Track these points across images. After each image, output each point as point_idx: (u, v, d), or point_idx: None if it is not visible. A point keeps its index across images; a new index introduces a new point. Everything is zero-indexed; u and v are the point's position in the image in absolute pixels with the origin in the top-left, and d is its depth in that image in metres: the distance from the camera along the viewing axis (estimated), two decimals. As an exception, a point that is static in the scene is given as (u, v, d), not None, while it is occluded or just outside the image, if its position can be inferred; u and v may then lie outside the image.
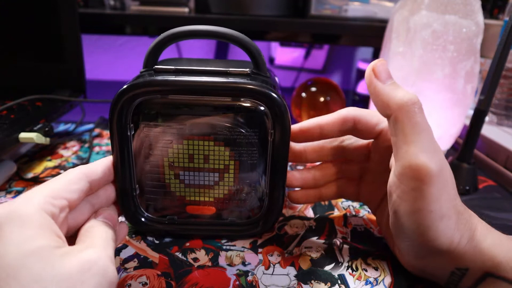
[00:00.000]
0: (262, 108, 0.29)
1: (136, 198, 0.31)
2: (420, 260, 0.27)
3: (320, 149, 0.33)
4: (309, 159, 0.34)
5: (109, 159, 0.29)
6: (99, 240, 0.23)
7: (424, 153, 0.23)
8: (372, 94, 0.26)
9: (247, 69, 0.29)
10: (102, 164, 0.28)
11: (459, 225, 0.25)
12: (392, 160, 0.26)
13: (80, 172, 0.25)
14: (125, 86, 0.27)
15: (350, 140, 0.33)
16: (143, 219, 0.32)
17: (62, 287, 0.18)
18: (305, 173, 0.34)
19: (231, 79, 0.28)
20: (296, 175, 0.34)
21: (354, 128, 0.30)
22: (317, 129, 0.31)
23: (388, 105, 0.25)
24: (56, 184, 0.23)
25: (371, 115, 0.30)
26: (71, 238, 0.24)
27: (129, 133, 0.29)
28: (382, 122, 0.30)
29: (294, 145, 0.33)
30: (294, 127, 0.31)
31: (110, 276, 0.21)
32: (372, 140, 0.32)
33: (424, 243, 0.25)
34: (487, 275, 0.24)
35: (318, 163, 0.35)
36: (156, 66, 0.29)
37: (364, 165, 0.34)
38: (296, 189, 0.36)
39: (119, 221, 0.30)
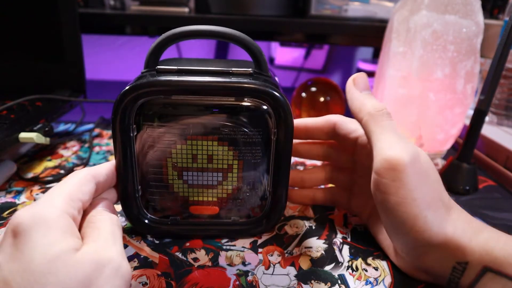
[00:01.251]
0: (265, 107, 0.29)
1: (138, 199, 0.31)
2: (421, 259, 0.27)
3: (310, 147, 0.37)
4: (301, 154, 0.37)
5: (113, 163, 0.29)
6: (107, 235, 0.23)
7: (395, 146, 0.26)
8: (349, 100, 0.30)
9: (250, 69, 0.29)
10: (106, 167, 0.28)
11: (450, 218, 0.26)
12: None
13: (89, 174, 0.25)
14: (128, 87, 0.27)
15: (335, 146, 0.36)
16: (146, 221, 0.32)
17: None
18: (293, 174, 0.36)
19: (234, 79, 0.28)
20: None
21: (335, 132, 0.34)
22: (303, 129, 0.35)
23: (361, 110, 0.28)
24: (70, 186, 0.24)
25: (350, 121, 0.33)
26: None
27: (131, 134, 0.29)
28: (359, 129, 0.32)
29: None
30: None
31: (123, 272, 0.21)
32: (355, 149, 0.34)
33: (418, 235, 0.25)
34: (486, 270, 0.24)
35: (309, 168, 0.38)
36: (158, 67, 0.29)
37: (352, 176, 0.36)
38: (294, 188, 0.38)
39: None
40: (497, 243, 0.25)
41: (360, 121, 0.29)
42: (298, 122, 0.35)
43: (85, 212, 0.25)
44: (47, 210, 0.21)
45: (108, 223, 0.24)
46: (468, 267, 0.25)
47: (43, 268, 0.18)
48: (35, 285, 0.18)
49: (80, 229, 0.24)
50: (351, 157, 0.35)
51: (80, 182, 0.24)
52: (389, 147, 0.26)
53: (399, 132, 0.27)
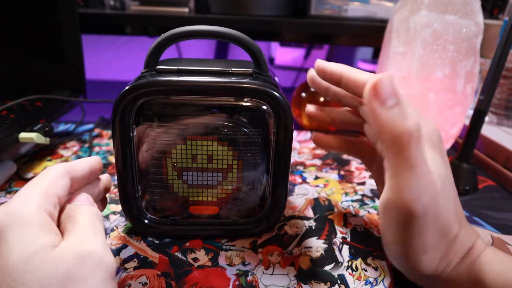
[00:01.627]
0: (264, 107, 0.29)
1: (138, 200, 0.31)
2: (411, 277, 0.27)
3: (343, 95, 0.31)
4: (331, 96, 0.32)
5: (92, 159, 0.28)
6: (87, 228, 0.22)
7: (410, 192, 0.22)
8: (367, 114, 0.23)
9: (249, 69, 0.29)
10: (82, 163, 0.27)
11: (448, 254, 0.25)
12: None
13: (63, 169, 0.25)
14: (128, 87, 0.27)
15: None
16: (146, 221, 0.32)
17: (65, 287, 0.18)
18: (323, 109, 0.34)
19: (233, 79, 0.28)
20: (314, 108, 0.34)
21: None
22: (338, 76, 0.28)
23: (381, 131, 0.22)
24: (45, 182, 0.23)
25: None
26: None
27: (131, 134, 0.29)
28: None
29: (321, 81, 0.32)
30: (322, 64, 0.30)
31: (107, 263, 0.21)
32: None
33: (408, 269, 0.25)
34: None
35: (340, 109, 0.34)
36: (158, 67, 0.29)
37: None
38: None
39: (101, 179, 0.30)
40: (491, 273, 0.24)
41: (381, 142, 0.23)
42: (336, 67, 0.29)
43: (63, 208, 0.24)
44: (22, 208, 0.21)
45: (87, 215, 0.23)
46: None
47: (20, 266, 0.18)
48: (13, 285, 0.18)
49: (59, 225, 0.23)
50: None
51: (54, 177, 0.24)
52: (403, 191, 0.22)
53: (424, 166, 0.22)
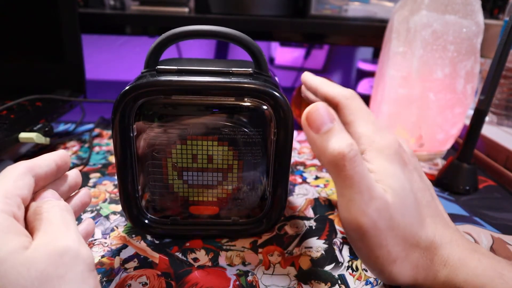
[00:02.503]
0: (265, 107, 0.29)
1: (138, 200, 0.31)
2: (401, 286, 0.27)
3: None
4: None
5: (58, 153, 0.27)
6: (58, 223, 0.21)
7: (355, 209, 0.22)
8: (308, 142, 0.25)
9: (250, 69, 0.29)
10: (45, 159, 0.26)
11: (424, 262, 0.24)
12: None
13: (23, 167, 0.24)
14: (128, 87, 0.27)
15: None
16: (146, 221, 0.32)
17: (41, 287, 0.18)
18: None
19: (234, 79, 0.28)
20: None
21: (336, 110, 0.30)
22: (314, 89, 0.31)
23: (320, 157, 0.24)
24: (4, 183, 0.22)
25: (350, 113, 0.28)
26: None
27: (131, 134, 0.29)
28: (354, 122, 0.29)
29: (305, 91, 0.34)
30: (304, 76, 0.33)
31: (84, 257, 0.20)
32: None
33: (385, 280, 0.25)
34: None
35: None
36: (158, 67, 0.29)
37: None
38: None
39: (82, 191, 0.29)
40: (457, 277, 0.23)
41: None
42: (312, 81, 0.31)
43: (30, 207, 0.23)
44: None
45: (56, 211, 0.22)
46: None
47: None
48: None
49: (27, 225, 0.22)
50: None
51: (15, 177, 0.23)
52: (349, 209, 0.23)
53: (365, 181, 0.22)
